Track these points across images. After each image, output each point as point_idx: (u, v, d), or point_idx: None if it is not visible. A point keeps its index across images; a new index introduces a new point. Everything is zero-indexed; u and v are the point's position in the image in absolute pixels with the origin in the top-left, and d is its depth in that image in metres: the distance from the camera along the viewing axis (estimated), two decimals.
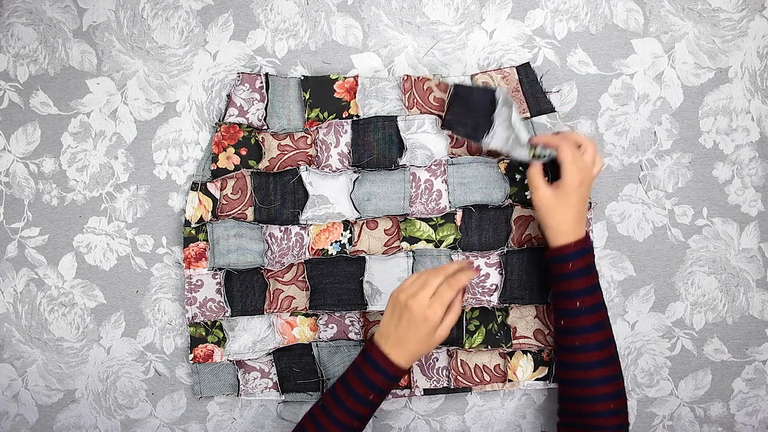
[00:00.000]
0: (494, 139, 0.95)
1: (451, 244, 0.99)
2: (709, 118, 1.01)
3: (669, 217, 1.02)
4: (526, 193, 0.97)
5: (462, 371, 1.00)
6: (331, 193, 0.99)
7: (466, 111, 0.96)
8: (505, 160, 0.98)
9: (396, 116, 0.99)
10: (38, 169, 1.05)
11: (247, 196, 1.00)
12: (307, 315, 1.01)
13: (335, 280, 0.99)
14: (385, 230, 1.00)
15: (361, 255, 0.99)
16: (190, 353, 1.00)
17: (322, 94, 0.99)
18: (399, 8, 1.02)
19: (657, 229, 1.02)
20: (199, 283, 1.00)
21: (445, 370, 1.00)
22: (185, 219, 0.99)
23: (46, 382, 1.06)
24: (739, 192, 1.02)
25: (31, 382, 1.06)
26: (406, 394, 1.01)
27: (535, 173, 0.90)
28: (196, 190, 0.99)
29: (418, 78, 0.99)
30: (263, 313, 1.00)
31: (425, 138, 0.99)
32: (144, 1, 1.03)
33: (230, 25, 1.03)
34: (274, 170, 0.99)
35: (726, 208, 1.02)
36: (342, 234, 1.00)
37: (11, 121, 1.05)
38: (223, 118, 0.99)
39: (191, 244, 1.00)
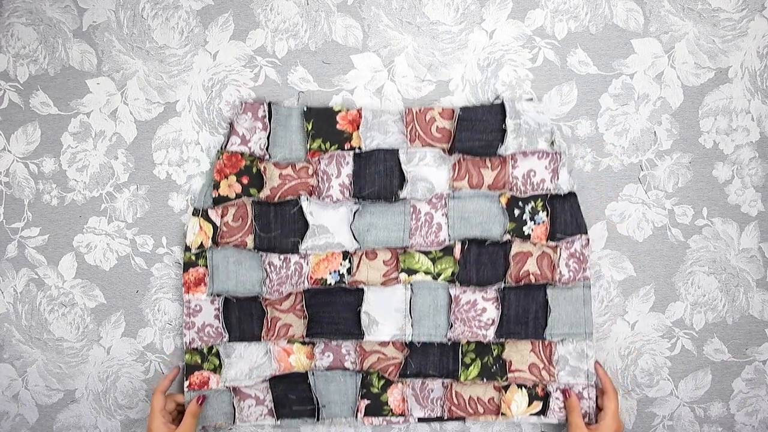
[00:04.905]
0: (509, 147, 0.96)
1: (449, 277, 0.99)
2: (709, 118, 1.01)
3: (669, 217, 1.02)
4: (524, 228, 0.98)
5: (456, 402, 1.00)
6: (332, 223, 0.99)
7: (473, 133, 0.97)
8: (506, 194, 0.98)
9: (398, 149, 0.98)
10: (38, 169, 1.05)
11: (248, 224, 0.99)
12: (303, 343, 1.01)
13: (333, 310, 0.99)
14: (384, 261, 1.00)
15: (360, 286, 0.99)
16: (186, 380, 1.00)
17: (324, 125, 0.99)
18: (399, 8, 1.02)
19: (657, 229, 1.02)
20: (198, 308, 1.00)
21: (439, 401, 1.01)
22: (185, 244, 1.00)
23: (46, 382, 1.06)
24: (739, 192, 1.02)
25: (31, 382, 1.06)
26: (400, 422, 1.01)
27: (576, 413, 0.95)
28: (197, 216, 0.99)
29: (420, 110, 0.99)
30: (260, 340, 1.00)
31: (426, 170, 0.98)
32: (144, 1, 1.03)
33: (230, 25, 1.03)
34: (275, 199, 0.99)
35: (726, 208, 1.02)
36: (341, 264, 0.99)
37: (11, 121, 1.05)
38: (225, 146, 0.99)
39: (191, 269, 1.00)
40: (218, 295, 0.99)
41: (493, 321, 0.98)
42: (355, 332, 0.99)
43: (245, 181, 0.99)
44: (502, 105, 0.97)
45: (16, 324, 1.06)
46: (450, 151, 0.98)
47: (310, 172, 0.99)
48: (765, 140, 1.02)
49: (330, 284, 0.99)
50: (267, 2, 1.03)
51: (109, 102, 1.04)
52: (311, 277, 0.99)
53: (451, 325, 0.98)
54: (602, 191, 1.02)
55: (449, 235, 0.98)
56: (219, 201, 0.99)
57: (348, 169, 0.99)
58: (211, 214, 0.99)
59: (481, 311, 0.99)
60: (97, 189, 1.04)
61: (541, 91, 1.01)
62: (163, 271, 1.04)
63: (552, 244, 0.98)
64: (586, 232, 0.98)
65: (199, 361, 1.00)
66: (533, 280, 0.98)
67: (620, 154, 1.02)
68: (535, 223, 0.98)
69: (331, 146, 0.99)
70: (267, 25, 1.03)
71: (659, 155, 1.02)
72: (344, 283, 0.99)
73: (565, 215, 0.98)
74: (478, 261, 0.98)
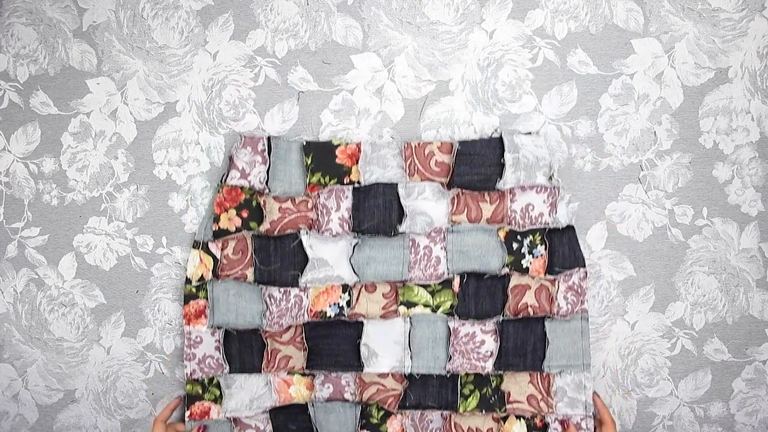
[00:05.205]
0: (508, 182, 0.96)
1: (447, 310, 0.99)
2: (709, 118, 1.01)
3: (669, 217, 1.02)
4: (522, 262, 0.99)
5: None
6: (331, 256, 0.99)
7: (472, 167, 0.97)
8: (504, 228, 0.99)
9: (397, 183, 0.99)
10: (38, 169, 1.05)
11: (248, 257, 1.00)
12: (304, 374, 1.01)
13: (333, 342, 1.00)
14: (383, 294, 1.00)
15: (359, 318, 1.00)
16: (187, 410, 1.00)
17: (323, 159, 0.99)
18: (399, 8, 1.02)
19: (657, 229, 1.02)
20: (199, 339, 1.00)
21: (438, 431, 1.01)
22: (186, 277, 1.00)
23: (46, 382, 1.06)
24: (739, 192, 1.02)
25: (31, 382, 1.06)
26: None
27: None
28: (198, 249, 0.99)
29: (419, 144, 0.99)
30: (261, 372, 1.00)
31: (425, 205, 0.99)
32: (144, 1, 1.03)
33: (230, 25, 1.03)
34: (275, 232, 0.99)
35: (726, 208, 1.02)
36: (341, 296, 1.00)
37: (11, 121, 1.05)
38: (225, 180, 0.99)
39: (191, 301, 1.00)
40: (219, 328, 1.00)
41: (492, 353, 0.99)
42: (355, 364, 0.99)
43: (245, 214, 0.99)
44: (501, 139, 0.98)
45: (16, 324, 1.06)
46: (449, 186, 0.98)
47: (310, 205, 1.00)
48: (765, 140, 1.02)
49: (330, 317, 1.00)
50: (267, 2, 1.03)
51: (109, 102, 1.04)
52: (311, 310, 1.00)
53: (450, 357, 0.99)
54: (602, 191, 1.02)
55: (448, 269, 0.99)
56: (219, 234, 0.99)
57: (347, 203, 0.99)
58: (212, 246, 1.00)
59: (479, 343, 0.99)
60: (97, 189, 1.04)
61: (541, 91, 1.01)
62: (163, 271, 1.04)
63: (550, 277, 0.98)
64: (584, 265, 0.98)
65: (200, 392, 1.00)
66: (531, 313, 0.99)
67: (620, 154, 1.02)
68: (533, 257, 0.98)
69: (330, 180, 0.99)
70: (267, 25, 1.03)
71: (659, 155, 1.02)
72: (344, 315, 1.00)
73: (563, 248, 0.98)
74: (477, 294, 0.99)
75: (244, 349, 1.00)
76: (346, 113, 1.02)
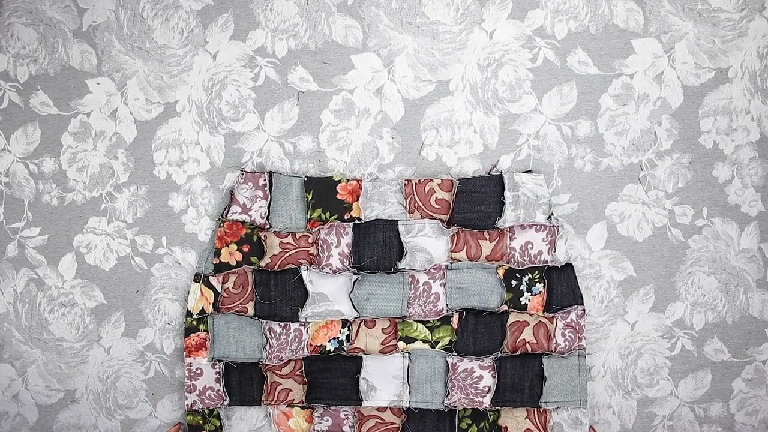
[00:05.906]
0: (508, 221, 0.97)
1: (446, 345, 1.00)
2: (709, 118, 1.01)
3: (669, 217, 1.02)
4: (521, 299, 0.99)
5: None
6: (331, 291, 1.00)
7: (472, 205, 0.98)
8: (504, 266, 0.99)
9: (397, 220, 0.99)
10: (38, 169, 1.05)
11: (248, 291, 1.01)
12: (303, 407, 1.02)
13: (332, 376, 1.00)
14: (382, 329, 1.01)
15: (358, 353, 1.00)
16: None
17: (324, 195, 1.00)
18: (399, 8, 1.02)
19: (657, 229, 1.02)
20: (199, 371, 1.01)
21: None
22: (187, 310, 1.00)
23: (46, 382, 1.06)
24: (739, 192, 1.02)
25: (31, 382, 1.06)
26: None
27: None
28: (199, 282, 1.00)
29: (419, 181, 0.99)
30: (260, 404, 1.01)
31: (425, 241, 0.99)
32: (144, 1, 1.03)
33: (230, 25, 1.03)
34: (276, 268, 1.00)
35: (726, 208, 1.02)
36: (340, 331, 1.01)
37: (11, 121, 1.05)
38: (226, 215, 1.00)
39: (192, 334, 1.00)
40: (219, 360, 1.01)
41: (490, 389, 0.99)
42: (354, 398, 1.00)
43: (246, 249, 1.00)
44: (501, 176, 0.98)
45: (16, 324, 1.06)
46: (449, 223, 0.99)
47: (311, 241, 1.01)
48: (765, 140, 1.02)
49: (329, 351, 1.00)
50: (267, 2, 1.03)
51: (109, 102, 1.04)
52: (311, 344, 1.00)
53: (448, 392, 0.99)
54: (602, 191, 1.02)
55: (447, 305, 0.99)
56: (220, 268, 1.00)
57: (348, 239, 1.00)
58: (213, 280, 1.00)
59: (477, 379, 1.00)
60: (97, 189, 1.04)
61: (541, 91, 1.01)
62: (163, 271, 1.04)
63: (548, 314, 0.99)
64: (582, 303, 0.99)
65: (201, 423, 1.01)
66: (529, 350, 1.00)
67: (620, 154, 1.02)
68: (532, 294, 0.99)
69: (331, 216, 1.00)
70: (267, 25, 1.03)
71: (659, 155, 1.02)
72: (343, 350, 1.00)
73: (562, 286, 0.99)
74: (476, 330, 1.00)
75: (244, 382, 1.01)
76: (346, 113, 1.02)
